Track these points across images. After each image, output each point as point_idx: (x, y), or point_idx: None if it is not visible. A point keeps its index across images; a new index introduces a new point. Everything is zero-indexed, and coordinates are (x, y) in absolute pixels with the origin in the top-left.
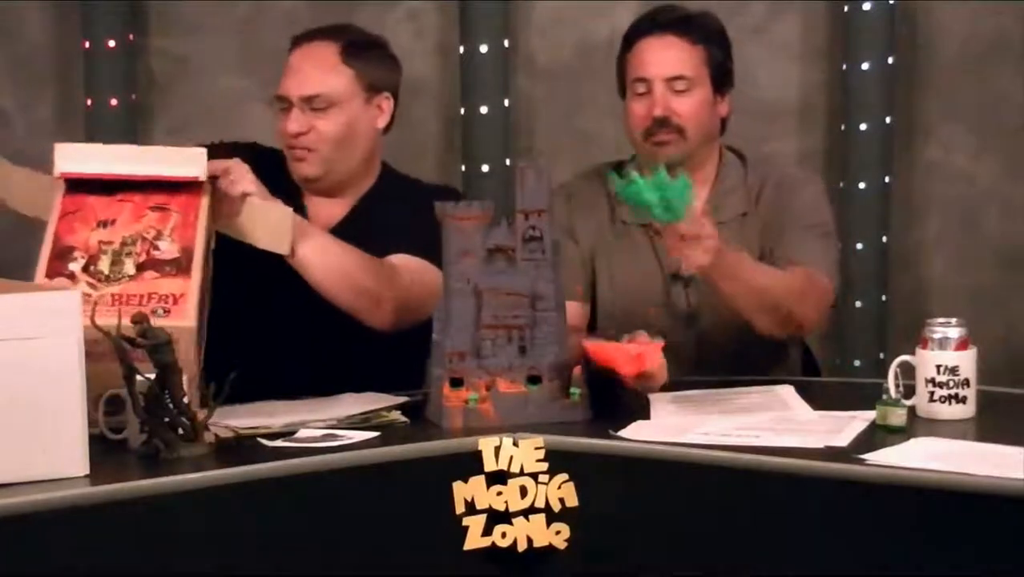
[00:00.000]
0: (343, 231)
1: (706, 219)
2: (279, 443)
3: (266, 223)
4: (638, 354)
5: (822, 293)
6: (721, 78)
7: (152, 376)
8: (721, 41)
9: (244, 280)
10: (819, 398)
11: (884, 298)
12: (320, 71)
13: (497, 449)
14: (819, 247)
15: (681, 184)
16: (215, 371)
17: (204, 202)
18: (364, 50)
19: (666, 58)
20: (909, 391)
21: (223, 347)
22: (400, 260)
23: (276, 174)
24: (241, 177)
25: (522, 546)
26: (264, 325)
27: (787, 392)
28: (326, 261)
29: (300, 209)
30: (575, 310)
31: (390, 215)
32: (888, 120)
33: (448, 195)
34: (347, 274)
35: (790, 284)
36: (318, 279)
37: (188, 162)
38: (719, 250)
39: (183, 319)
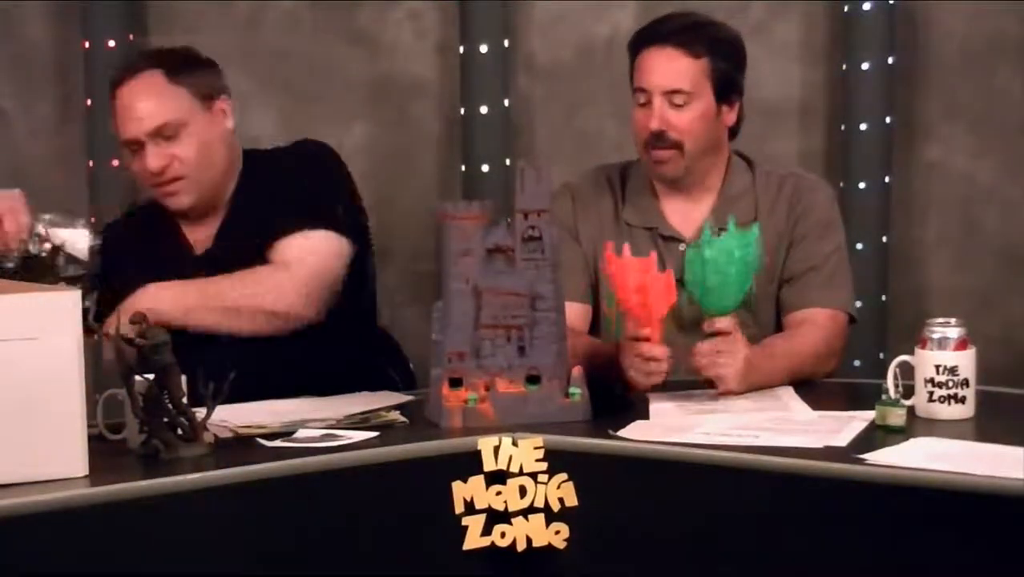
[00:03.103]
0: (225, 234)
1: (738, 336)
2: (278, 443)
3: None
4: (669, 286)
5: (839, 339)
6: (725, 88)
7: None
8: (727, 51)
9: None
10: (819, 398)
11: (884, 298)
12: (157, 100)
13: (496, 449)
14: (835, 275)
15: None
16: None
17: None
18: (184, 65)
19: (665, 71)
20: (908, 391)
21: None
22: (284, 248)
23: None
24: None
25: (521, 546)
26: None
27: (787, 392)
28: (188, 312)
29: (181, 245)
30: (576, 311)
31: (263, 198)
32: (888, 120)
33: (309, 150)
34: (213, 310)
35: (809, 352)
36: (197, 326)
37: None
38: (747, 375)
39: None
